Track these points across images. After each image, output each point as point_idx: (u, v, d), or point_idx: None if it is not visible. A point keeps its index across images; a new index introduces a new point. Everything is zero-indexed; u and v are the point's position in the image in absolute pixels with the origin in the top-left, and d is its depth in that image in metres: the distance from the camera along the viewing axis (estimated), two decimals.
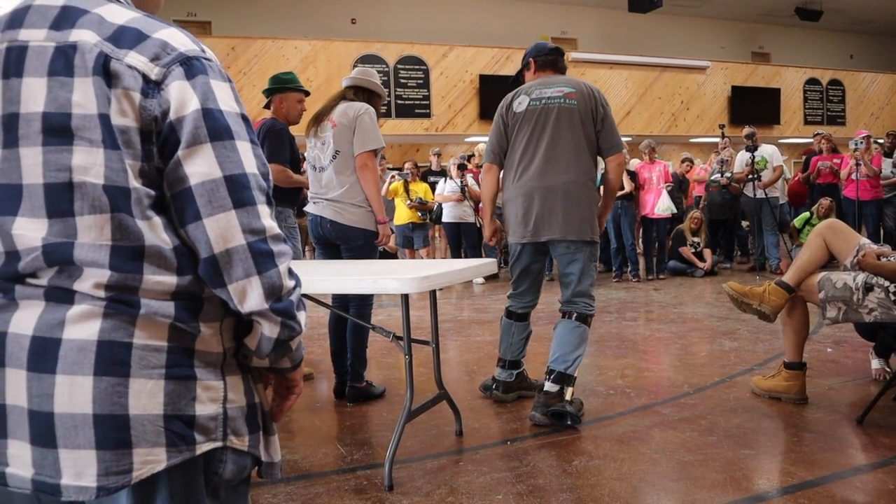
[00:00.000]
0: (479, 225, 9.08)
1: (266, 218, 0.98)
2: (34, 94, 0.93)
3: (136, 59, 0.94)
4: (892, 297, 3.11)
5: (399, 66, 13.97)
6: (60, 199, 0.92)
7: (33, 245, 0.93)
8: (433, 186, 9.37)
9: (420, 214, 8.99)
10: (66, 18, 0.96)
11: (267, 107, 4.41)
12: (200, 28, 14.48)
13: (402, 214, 9.02)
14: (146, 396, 0.92)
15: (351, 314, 3.64)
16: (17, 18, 0.98)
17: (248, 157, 0.98)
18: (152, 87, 0.94)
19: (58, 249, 0.92)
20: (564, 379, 3.29)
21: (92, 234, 0.92)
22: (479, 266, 3.04)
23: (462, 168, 8.76)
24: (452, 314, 6.64)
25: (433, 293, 3.01)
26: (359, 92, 3.78)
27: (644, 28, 16.68)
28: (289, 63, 13.18)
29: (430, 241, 9.41)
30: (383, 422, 3.46)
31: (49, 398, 0.90)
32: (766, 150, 8.89)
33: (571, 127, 3.36)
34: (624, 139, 3.70)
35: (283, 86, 4.31)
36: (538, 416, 3.27)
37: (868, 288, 3.16)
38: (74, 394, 0.89)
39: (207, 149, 0.94)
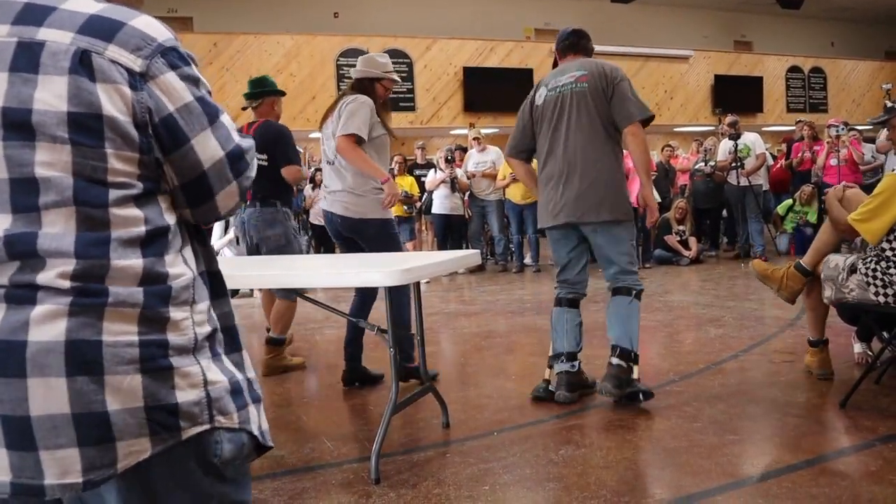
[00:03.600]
0: (467, 217, 9.08)
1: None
2: None
3: (117, 52, 0.94)
4: (868, 279, 3.16)
5: None
6: (25, 193, 0.91)
7: None
8: (419, 180, 9.37)
9: (406, 208, 8.99)
10: (30, 14, 0.94)
11: (246, 108, 4.51)
12: (182, 24, 14.36)
13: None
14: (124, 393, 0.91)
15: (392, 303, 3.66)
16: (37, 15, 0.96)
17: (232, 127, 1.06)
18: (138, 79, 0.95)
19: (21, 240, 0.90)
20: (630, 356, 3.32)
21: (57, 226, 0.91)
22: (462, 258, 3.05)
23: (450, 161, 8.74)
24: (439, 307, 6.65)
25: (417, 285, 3.01)
26: (361, 83, 3.79)
27: (627, 18, 16.71)
28: (271, 58, 13.12)
29: (416, 234, 9.41)
30: (370, 415, 3.46)
31: (23, 402, 0.88)
32: (749, 138, 8.94)
33: (586, 110, 3.36)
34: None
35: (275, 89, 4.50)
36: (610, 388, 3.27)
37: (852, 270, 3.24)
38: (49, 396, 0.88)
39: (209, 133, 1.01)
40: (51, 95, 0.91)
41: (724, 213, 9.78)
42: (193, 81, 1.01)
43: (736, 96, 15.84)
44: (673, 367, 4.06)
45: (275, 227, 4.24)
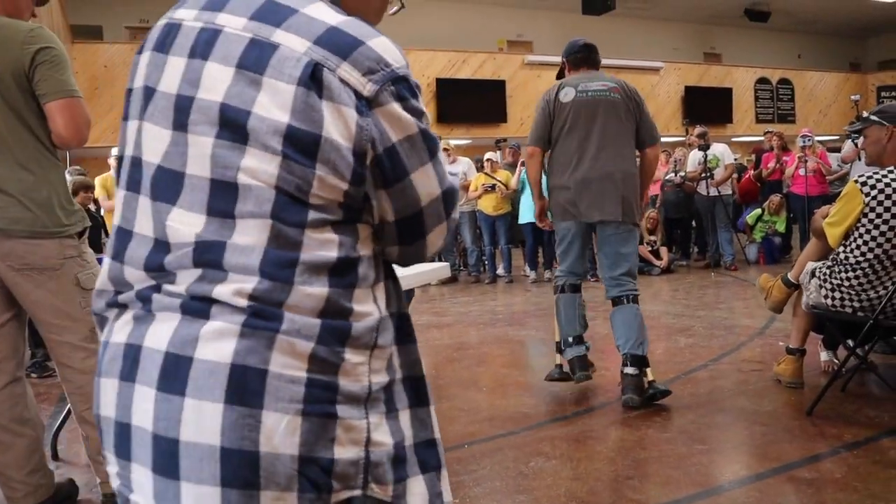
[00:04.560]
0: None
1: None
2: (216, 82, 0.87)
3: (349, 72, 0.87)
4: (820, 281, 3.28)
5: None
6: (223, 197, 0.86)
7: (186, 240, 0.86)
8: None
9: None
10: (270, 13, 0.90)
11: None
12: None
13: None
14: (280, 434, 0.82)
15: None
16: (219, 0, 0.93)
17: (446, 163, 1.02)
18: (364, 104, 0.87)
19: (209, 249, 0.85)
20: (643, 361, 3.51)
21: (248, 237, 0.85)
22: (433, 270, 3.06)
23: None
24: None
25: None
26: None
27: (598, 30, 16.85)
28: None
29: None
30: None
31: (175, 423, 0.82)
32: (718, 149, 9.07)
33: (618, 119, 3.60)
34: None
35: None
36: (636, 399, 3.45)
37: (812, 274, 3.35)
38: (202, 421, 0.81)
39: (429, 168, 0.93)
40: (273, 103, 0.85)
41: (694, 223, 9.90)
42: (418, 114, 0.92)
43: (706, 107, 16.06)
44: None
45: None
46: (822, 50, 20.34)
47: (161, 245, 0.88)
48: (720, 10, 17.66)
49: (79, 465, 3.08)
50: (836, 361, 3.91)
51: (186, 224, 0.87)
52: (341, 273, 0.87)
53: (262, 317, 0.83)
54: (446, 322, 6.31)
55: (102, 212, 7.35)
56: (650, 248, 9.04)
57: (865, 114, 3.53)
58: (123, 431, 0.87)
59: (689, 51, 18.50)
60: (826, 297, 3.25)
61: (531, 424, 3.32)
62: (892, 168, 3.17)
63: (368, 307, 0.89)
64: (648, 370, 3.55)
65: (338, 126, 0.86)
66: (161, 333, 0.85)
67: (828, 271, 3.27)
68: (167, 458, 0.82)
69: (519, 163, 8.59)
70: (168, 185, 0.88)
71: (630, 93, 3.66)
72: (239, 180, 0.85)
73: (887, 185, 3.09)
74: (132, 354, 0.87)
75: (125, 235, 0.92)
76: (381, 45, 0.91)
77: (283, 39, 0.88)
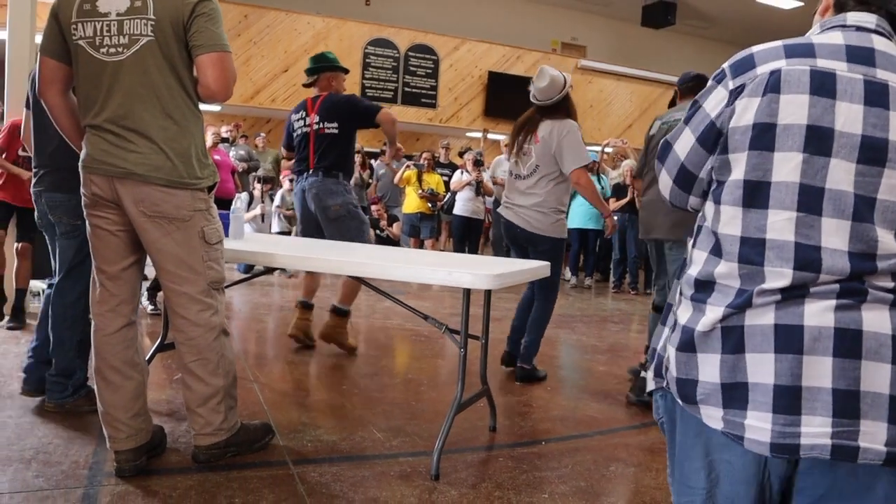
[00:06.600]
0: (487, 222, 9.10)
1: None
2: None
3: None
4: None
5: (410, 54, 13.93)
6: None
7: (893, 251, 1.09)
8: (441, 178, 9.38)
9: (430, 205, 9.00)
10: None
11: (308, 85, 4.52)
12: None
13: (412, 203, 9.02)
14: None
15: (536, 305, 4.13)
16: (863, 56, 1.13)
17: None
18: None
19: None
20: None
21: None
22: (535, 268, 3.11)
23: (479, 164, 8.75)
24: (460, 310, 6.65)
25: (488, 292, 3.05)
26: (562, 104, 4.01)
27: (654, 43, 16.81)
28: (300, 38, 13.10)
29: (435, 232, 9.39)
30: (413, 410, 3.48)
31: None
32: None
33: None
34: None
35: (333, 65, 4.46)
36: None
37: None
38: None
39: None
40: None
41: None
42: None
43: None
44: None
45: (335, 197, 4.26)
46: None
47: (862, 256, 1.09)
48: (780, 34, 17.40)
49: (159, 413, 3.14)
50: None
51: (888, 238, 1.09)
52: None
53: None
54: (497, 316, 6.32)
55: None
56: None
57: None
58: (850, 396, 1.07)
59: None
60: None
61: (602, 429, 3.36)
62: None
63: None
64: None
65: None
66: (880, 320, 1.08)
67: None
68: None
69: None
70: (863, 209, 1.10)
71: None
72: None
73: None
74: (849, 337, 1.07)
75: (805, 250, 1.10)
76: None
77: None
